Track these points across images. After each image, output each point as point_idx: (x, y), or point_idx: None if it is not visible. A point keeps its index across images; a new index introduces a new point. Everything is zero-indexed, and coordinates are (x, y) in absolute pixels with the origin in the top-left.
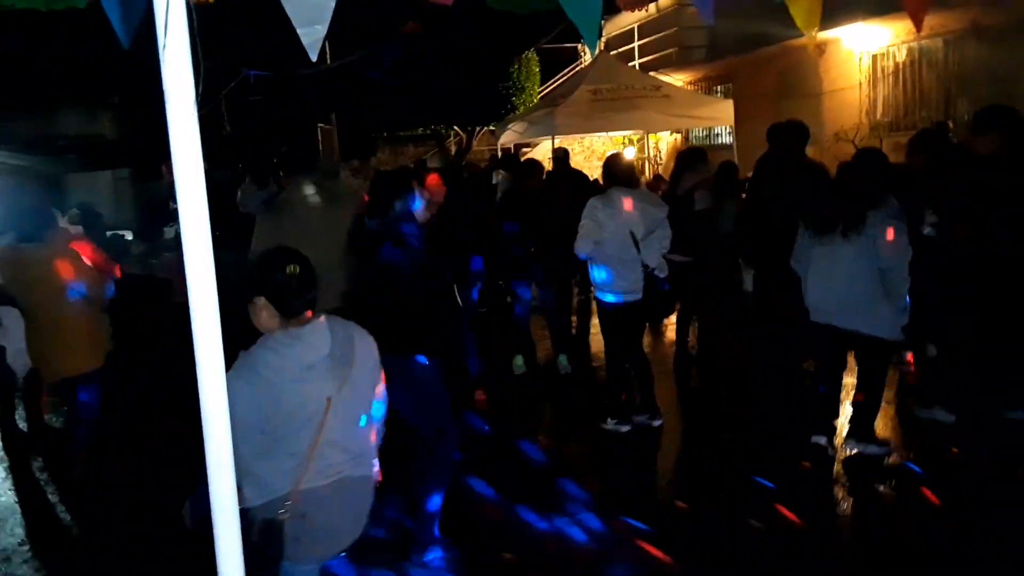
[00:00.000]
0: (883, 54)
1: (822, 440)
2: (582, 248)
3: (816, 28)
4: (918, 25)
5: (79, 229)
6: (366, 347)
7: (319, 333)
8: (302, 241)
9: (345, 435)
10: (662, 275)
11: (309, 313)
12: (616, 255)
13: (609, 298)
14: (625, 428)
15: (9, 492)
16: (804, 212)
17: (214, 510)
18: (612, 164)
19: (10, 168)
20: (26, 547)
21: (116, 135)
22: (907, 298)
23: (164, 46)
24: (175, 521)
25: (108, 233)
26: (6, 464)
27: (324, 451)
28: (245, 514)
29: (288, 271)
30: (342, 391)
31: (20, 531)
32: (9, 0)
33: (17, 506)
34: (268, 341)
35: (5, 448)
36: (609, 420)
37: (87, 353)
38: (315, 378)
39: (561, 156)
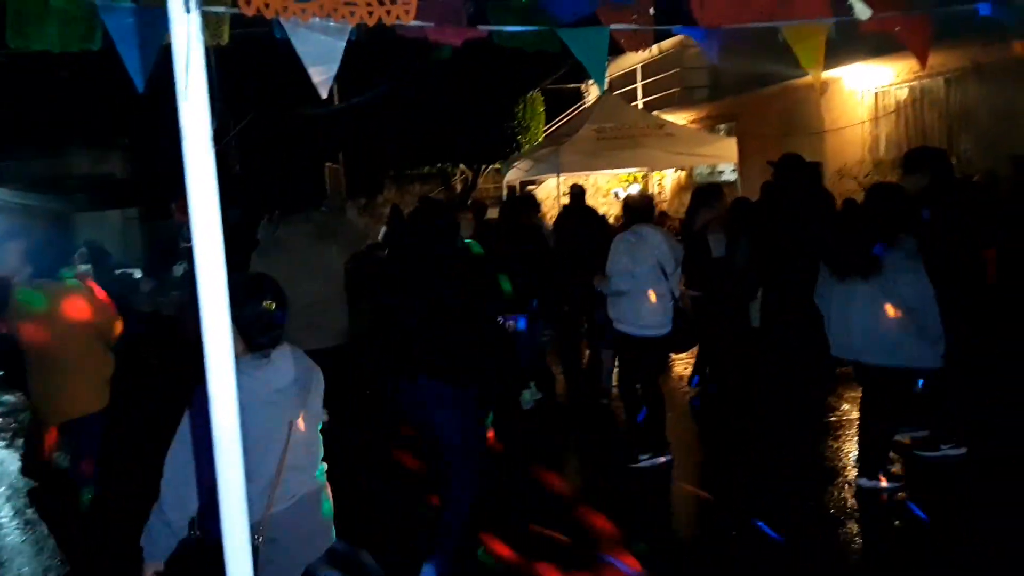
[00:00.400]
0: (885, 92)
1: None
2: (619, 284)
3: (820, 68)
4: (922, 62)
5: (87, 267)
6: (318, 375)
7: (286, 358)
8: (294, 278)
9: (301, 457)
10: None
11: None
12: (648, 289)
13: (638, 332)
14: (663, 459)
15: (16, 531)
16: (821, 252)
17: (225, 537)
18: (634, 203)
19: (20, 207)
20: None
21: (125, 175)
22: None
23: (187, 86)
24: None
25: (116, 271)
26: (14, 503)
27: (287, 475)
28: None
29: (264, 306)
30: (303, 416)
31: (27, 571)
32: (24, 42)
33: (24, 546)
34: (239, 364)
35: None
36: (641, 457)
37: (94, 393)
38: (283, 402)
39: (578, 192)
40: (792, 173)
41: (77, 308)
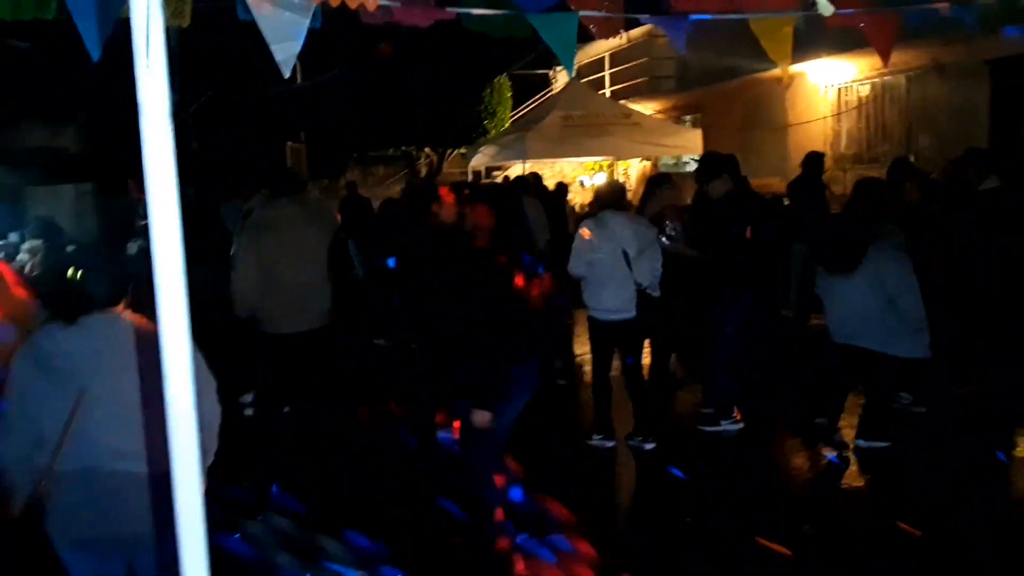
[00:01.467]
0: (847, 88)
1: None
2: (575, 268)
3: (788, 60)
4: (885, 59)
5: (39, 243)
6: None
7: (95, 327)
8: (283, 260)
9: (106, 431)
10: (656, 294)
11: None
12: (609, 274)
13: (601, 316)
14: (610, 444)
15: None
16: (812, 247)
17: (179, 520)
18: (601, 192)
19: None
20: None
21: (80, 149)
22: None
23: (148, 65)
24: None
25: (69, 247)
26: None
27: (77, 441)
28: None
29: (68, 276)
30: (103, 385)
31: None
32: None
33: None
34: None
35: None
36: (594, 436)
37: None
38: (75, 369)
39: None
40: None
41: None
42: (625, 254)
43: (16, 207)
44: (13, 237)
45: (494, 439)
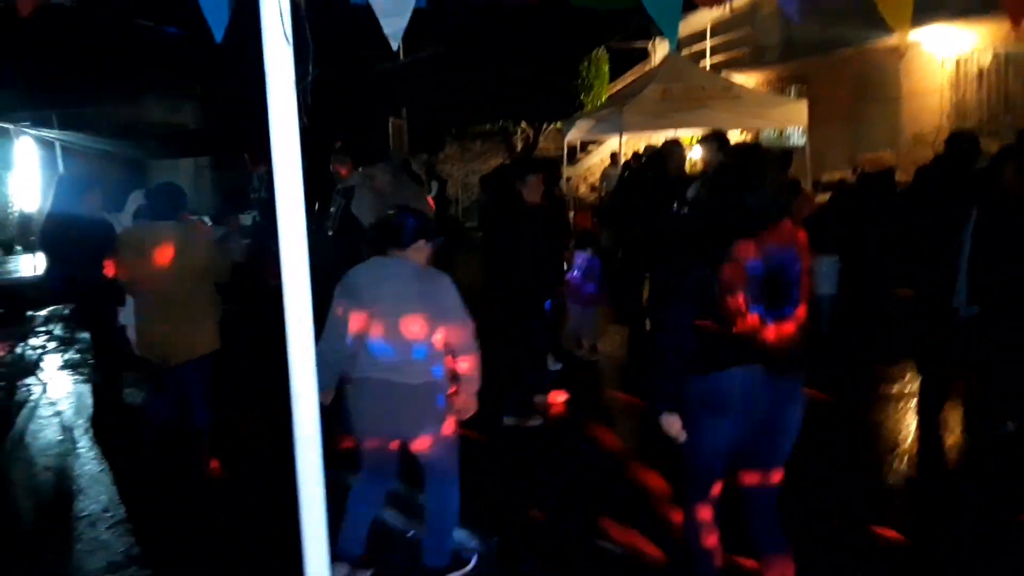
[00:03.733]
0: (967, 59)
1: None
2: None
3: (908, 26)
4: (1016, 22)
5: None
6: (412, 289)
7: (383, 266)
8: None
9: (379, 347)
10: None
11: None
12: None
13: None
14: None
15: (94, 461)
16: None
17: (301, 488)
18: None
19: (96, 152)
20: (109, 514)
21: (198, 124)
22: None
23: (290, 42)
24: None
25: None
26: (92, 435)
27: (360, 355)
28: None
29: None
30: (383, 310)
31: (104, 498)
32: None
33: (102, 475)
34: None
35: (100, 421)
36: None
37: (209, 335)
38: (350, 295)
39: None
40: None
41: (192, 249)
42: None
43: (138, 179)
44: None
45: None
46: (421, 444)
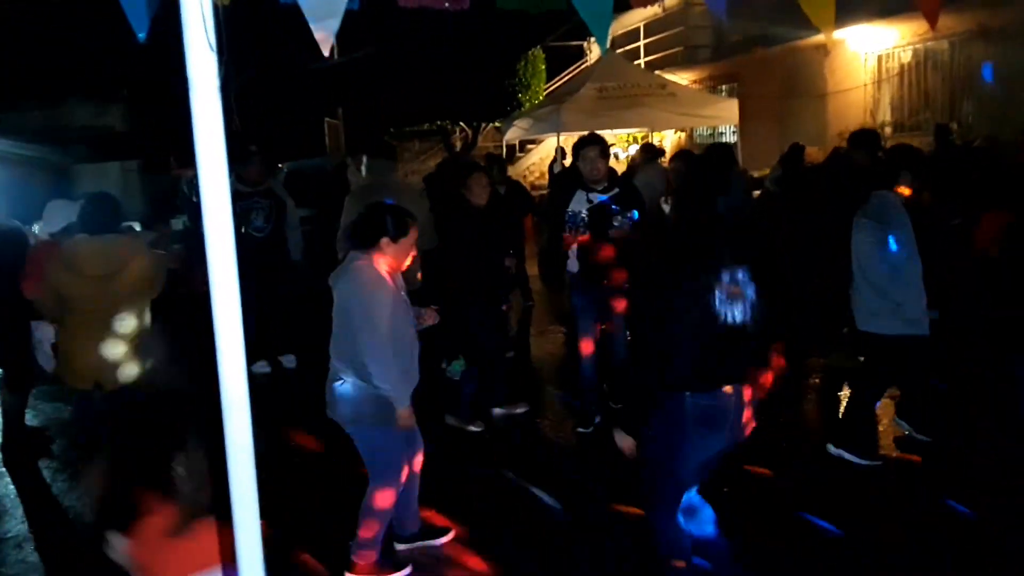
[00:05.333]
0: (888, 55)
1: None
2: None
3: (832, 26)
4: (932, 23)
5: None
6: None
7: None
8: None
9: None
10: None
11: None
12: None
13: None
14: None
15: (10, 486)
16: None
17: (233, 498)
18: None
19: (19, 158)
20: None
21: (125, 127)
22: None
23: (212, 46)
24: None
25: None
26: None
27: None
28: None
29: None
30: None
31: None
32: None
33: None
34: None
35: (6, 446)
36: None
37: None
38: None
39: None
40: None
41: (135, 263)
42: None
43: (64, 184)
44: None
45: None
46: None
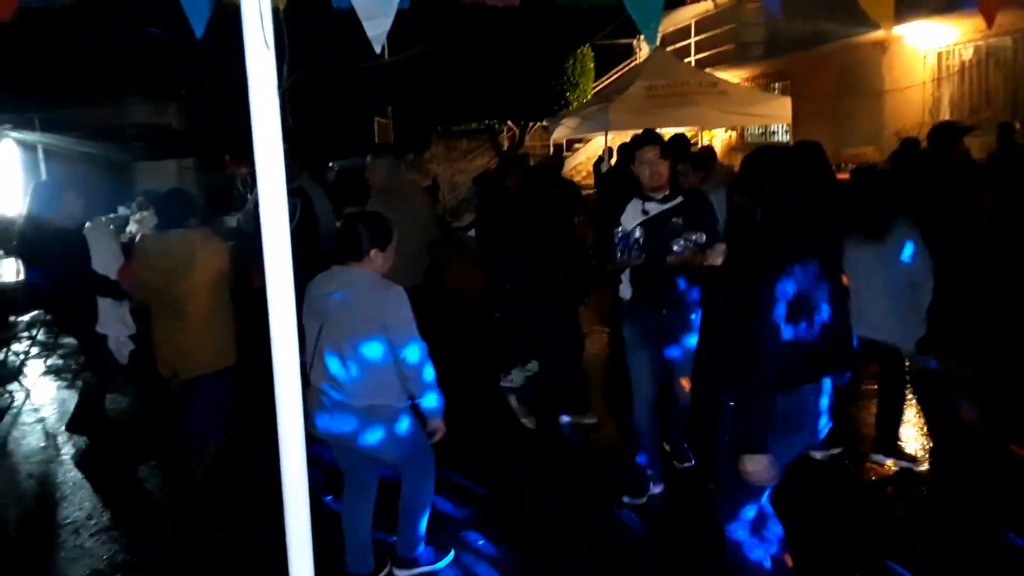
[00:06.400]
0: (949, 52)
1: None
2: None
3: (891, 21)
4: (989, 22)
5: (148, 213)
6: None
7: (333, 277)
8: (405, 223)
9: (327, 359)
10: None
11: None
12: None
13: None
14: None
15: (76, 469)
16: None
17: (285, 491)
18: None
19: (79, 155)
20: (93, 521)
21: (182, 125)
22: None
23: (270, 46)
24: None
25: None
26: (74, 442)
27: (316, 362)
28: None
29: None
30: (331, 322)
31: (88, 505)
32: None
33: (85, 481)
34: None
35: (82, 428)
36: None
37: (226, 348)
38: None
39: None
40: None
41: (207, 258)
42: None
43: (123, 182)
44: (123, 210)
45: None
46: (375, 447)
